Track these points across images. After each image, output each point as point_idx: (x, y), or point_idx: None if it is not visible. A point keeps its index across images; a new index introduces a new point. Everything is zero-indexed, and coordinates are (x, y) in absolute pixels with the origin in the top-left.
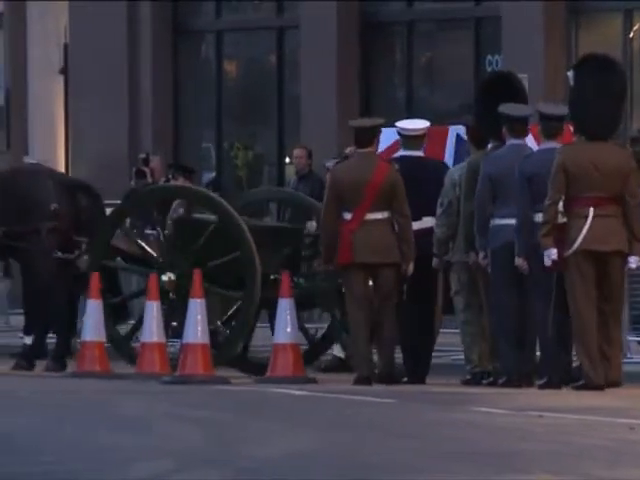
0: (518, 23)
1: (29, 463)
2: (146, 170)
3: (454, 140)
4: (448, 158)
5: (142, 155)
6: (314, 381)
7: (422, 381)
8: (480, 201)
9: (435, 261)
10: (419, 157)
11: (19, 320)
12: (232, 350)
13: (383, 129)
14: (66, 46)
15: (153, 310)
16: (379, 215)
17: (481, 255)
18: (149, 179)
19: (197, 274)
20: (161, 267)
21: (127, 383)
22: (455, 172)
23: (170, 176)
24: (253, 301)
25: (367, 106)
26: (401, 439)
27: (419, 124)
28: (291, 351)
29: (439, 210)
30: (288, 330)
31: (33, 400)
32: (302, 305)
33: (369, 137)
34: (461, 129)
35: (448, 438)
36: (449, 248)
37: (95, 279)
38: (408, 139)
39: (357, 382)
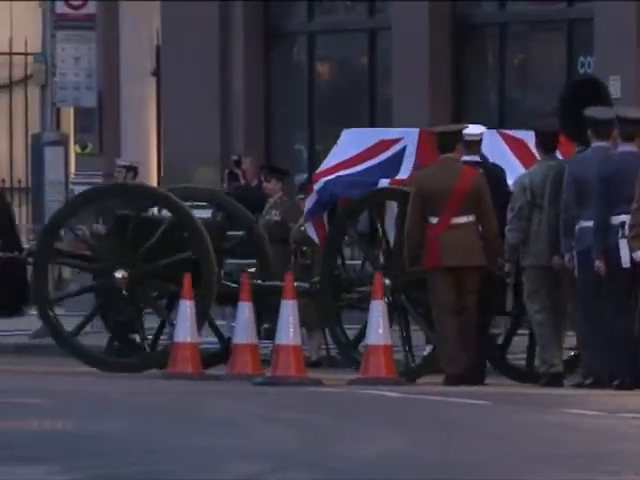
0: (611, 24)
1: (120, 465)
2: (238, 172)
3: None
4: None
5: (234, 157)
6: (407, 382)
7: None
8: (566, 204)
9: (507, 266)
10: (477, 162)
11: None
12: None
13: (361, 130)
14: (158, 48)
15: (246, 311)
16: (465, 219)
17: (567, 257)
18: (241, 181)
19: (288, 275)
20: (112, 265)
21: (219, 384)
22: (525, 177)
23: (262, 178)
24: (211, 298)
25: (459, 108)
26: (493, 440)
27: (478, 129)
28: (383, 353)
29: (510, 215)
30: (380, 332)
31: (125, 402)
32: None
33: (452, 142)
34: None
35: (540, 440)
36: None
37: (188, 280)
38: (469, 144)
39: (447, 381)
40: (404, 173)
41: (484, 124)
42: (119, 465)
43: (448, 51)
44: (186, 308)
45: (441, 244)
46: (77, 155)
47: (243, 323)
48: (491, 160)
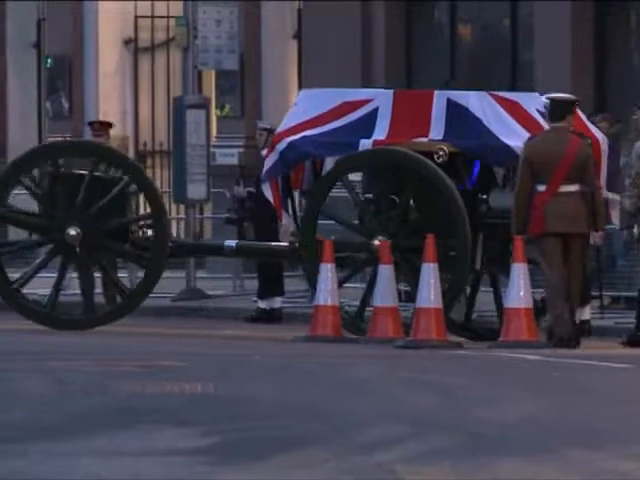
0: None
1: (262, 428)
2: None
3: (444, 106)
4: (435, 125)
5: None
6: (548, 346)
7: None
8: None
9: (625, 233)
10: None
11: (253, 284)
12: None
13: (321, 91)
14: (300, 11)
15: (387, 274)
16: (571, 187)
17: None
18: None
19: (429, 238)
20: (61, 221)
21: (360, 347)
22: None
23: None
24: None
25: (601, 72)
26: (633, 405)
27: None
28: (524, 316)
29: (627, 181)
30: (521, 294)
31: (267, 365)
32: None
33: (563, 111)
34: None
35: None
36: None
37: (329, 244)
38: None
39: (558, 344)
40: (379, 134)
41: (627, 94)
42: (261, 428)
43: (590, 15)
44: (327, 272)
45: (547, 211)
46: (218, 118)
47: (383, 286)
48: (486, 123)
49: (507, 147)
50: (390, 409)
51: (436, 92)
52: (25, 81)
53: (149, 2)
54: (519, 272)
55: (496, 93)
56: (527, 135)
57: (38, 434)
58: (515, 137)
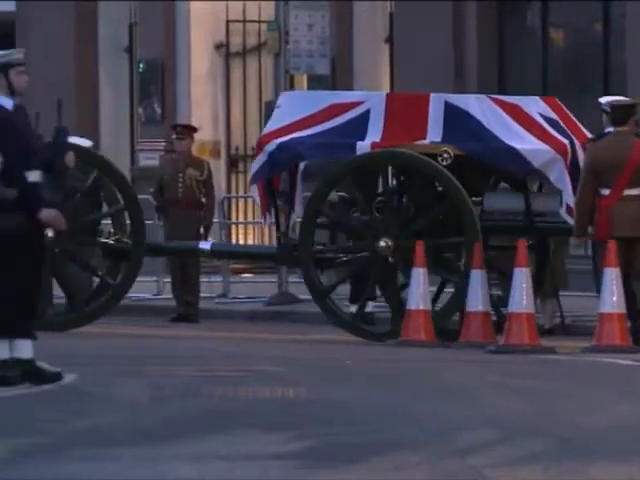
0: None
1: (355, 432)
2: None
3: (442, 109)
4: (432, 128)
5: None
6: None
7: None
8: None
9: None
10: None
11: (345, 288)
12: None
13: (306, 93)
14: (392, 15)
15: (478, 279)
16: (635, 191)
17: None
18: None
19: (521, 242)
20: None
21: (452, 352)
22: None
23: None
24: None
25: None
26: None
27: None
28: (617, 320)
29: None
30: (614, 299)
31: (359, 369)
32: None
33: (625, 115)
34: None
35: None
36: None
37: (420, 247)
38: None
39: None
40: (373, 136)
41: None
42: (354, 432)
43: None
44: (419, 275)
45: (612, 215)
46: None
47: (475, 290)
48: (487, 126)
49: (513, 150)
50: (482, 413)
51: (432, 95)
52: (117, 86)
53: (241, 6)
54: (611, 277)
55: (495, 96)
56: (531, 138)
57: (133, 438)
58: (519, 140)
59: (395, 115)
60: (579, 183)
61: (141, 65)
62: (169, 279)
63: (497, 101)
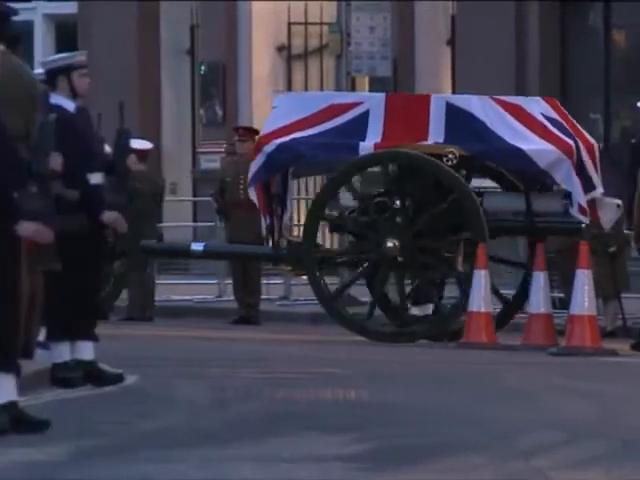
0: None
1: (415, 434)
2: None
3: (444, 110)
4: (434, 129)
5: None
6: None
7: None
8: None
9: None
10: None
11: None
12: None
13: (301, 94)
14: (453, 17)
15: (540, 281)
16: None
17: None
18: None
19: (583, 245)
20: None
21: (513, 354)
22: None
23: None
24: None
25: None
26: None
27: None
28: None
29: None
30: None
31: (422, 371)
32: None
33: None
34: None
35: None
36: None
37: (482, 249)
38: None
39: None
40: (373, 137)
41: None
42: (415, 434)
43: None
44: (481, 278)
45: None
46: None
47: (538, 292)
48: (490, 126)
49: (519, 150)
50: (544, 416)
51: (433, 95)
52: (179, 88)
53: (302, 8)
54: None
55: (498, 97)
56: (536, 138)
57: (196, 440)
58: (524, 140)
59: (395, 116)
60: (637, 189)
61: (202, 67)
62: (230, 281)
63: (499, 102)
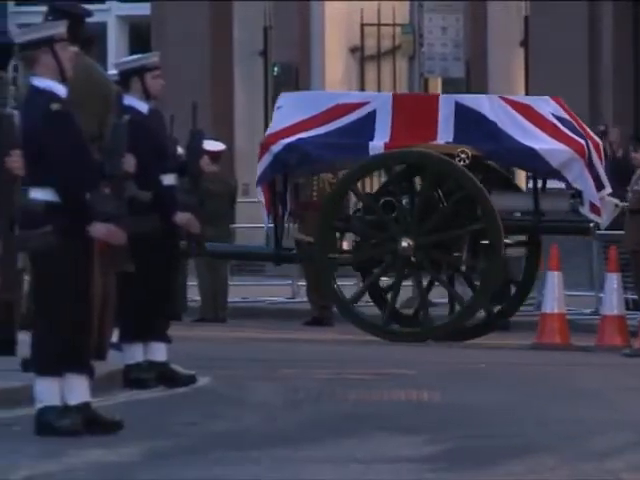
0: None
1: (488, 436)
2: (604, 143)
3: (452, 109)
4: (443, 129)
5: (601, 127)
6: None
7: None
8: None
9: None
10: None
11: None
12: None
13: (307, 93)
14: (526, 18)
15: (614, 282)
16: None
17: None
18: (607, 151)
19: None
20: None
21: (587, 356)
22: None
23: (631, 148)
24: None
25: None
26: None
27: None
28: None
29: None
30: None
31: (494, 372)
32: None
33: None
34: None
35: None
36: None
37: (555, 251)
38: None
39: None
40: (381, 137)
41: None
42: (487, 436)
43: None
44: (553, 278)
45: None
46: None
47: (611, 294)
48: (501, 126)
49: (531, 150)
50: (616, 417)
51: (442, 95)
52: (252, 89)
53: (375, 9)
54: None
55: (507, 97)
56: (547, 138)
57: (269, 441)
58: (535, 140)
59: (403, 116)
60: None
61: (276, 68)
62: (304, 282)
63: (509, 101)
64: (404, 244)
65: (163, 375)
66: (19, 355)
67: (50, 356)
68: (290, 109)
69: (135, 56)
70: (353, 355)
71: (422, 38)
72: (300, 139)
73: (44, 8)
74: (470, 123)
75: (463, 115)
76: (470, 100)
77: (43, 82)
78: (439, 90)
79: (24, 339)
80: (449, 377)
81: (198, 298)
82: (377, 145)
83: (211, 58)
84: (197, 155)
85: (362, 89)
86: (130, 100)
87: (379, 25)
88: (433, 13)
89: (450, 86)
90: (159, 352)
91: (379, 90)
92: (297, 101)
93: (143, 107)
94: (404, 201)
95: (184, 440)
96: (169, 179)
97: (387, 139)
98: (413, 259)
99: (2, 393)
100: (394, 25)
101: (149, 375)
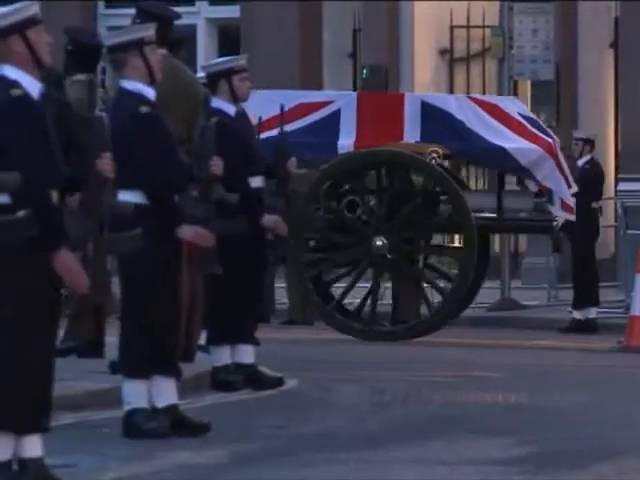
0: None
1: (575, 438)
2: None
3: (419, 108)
4: (410, 128)
5: None
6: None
7: None
8: None
9: None
10: None
11: (567, 294)
12: None
13: (271, 92)
14: (617, 19)
15: None
16: None
17: None
18: None
19: None
20: None
21: None
22: None
23: None
24: None
25: None
26: None
27: None
28: None
29: None
30: None
31: (580, 375)
32: None
33: None
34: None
35: None
36: None
37: None
38: None
39: None
40: (347, 137)
41: None
42: (575, 438)
43: None
44: None
45: None
46: None
47: None
48: (469, 125)
49: (501, 148)
50: None
51: (407, 94)
52: (341, 91)
53: (465, 11)
54: None
55: (474, 96)
56: (514, 137)
57: (356, 443)
58: (504, 139)
59: (368, 115)
60: None
61: (365, 71)
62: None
63: (476, 101)
64: (378, 243)
65: (250, 377)
66: (107, 357)
67: (138, 358)
68: (254, 108)
69: (223, 58)
70: (441, 358)
71: (512, 40)
72: (263, 139)
73: (133, 10)
74: (437, 122)
75: (430, 114)
76: (437, 99)
77: (132, 85)
78: (528, 93)
79: (112, 341)
80: (535, 379)
81: (286, 300)
82: (346, 144)
83: (300, 60)
84: (284, 157)
85: (451, 92)
86: (218, 103)
87: (468, 27)
88: (523, 15)
89: (539, 89)
90: (247, 354)
91: (468, 92)
92: (261, 100)
93: (230, 110)
94: (371, 201)
95: (271, 442)
96: (256, 181)
97: (352, 139)
98: (389, 256)
99: (91, 395)
100: (484, 27)
101: (236, 377)
